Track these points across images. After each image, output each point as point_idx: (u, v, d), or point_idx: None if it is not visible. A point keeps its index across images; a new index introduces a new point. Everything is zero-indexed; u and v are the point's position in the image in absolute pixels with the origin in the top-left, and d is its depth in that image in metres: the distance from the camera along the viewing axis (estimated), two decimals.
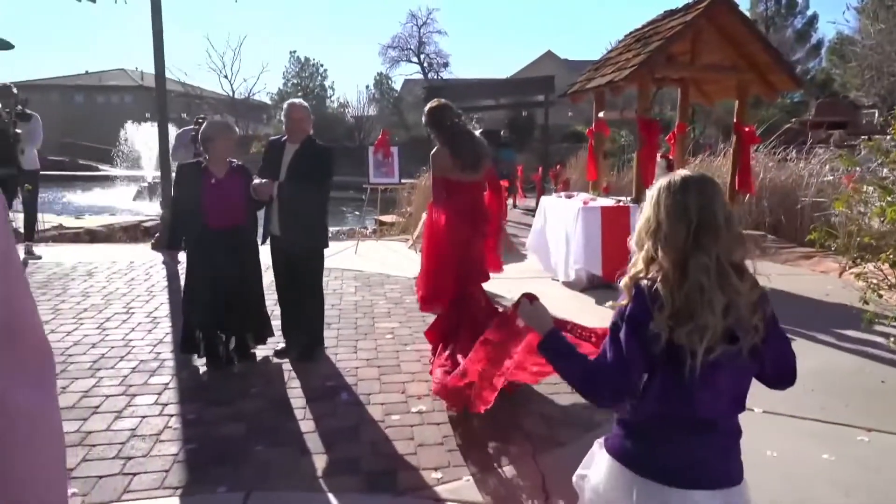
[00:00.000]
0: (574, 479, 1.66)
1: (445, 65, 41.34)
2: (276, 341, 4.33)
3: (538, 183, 13.80)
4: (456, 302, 3.89)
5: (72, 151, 37.45)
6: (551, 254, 6.78)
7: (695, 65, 6.20)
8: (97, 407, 3.40)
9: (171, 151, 7.99)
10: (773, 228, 9.42)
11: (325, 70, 40.22)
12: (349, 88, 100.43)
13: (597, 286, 5.99)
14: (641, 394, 1.45)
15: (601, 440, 1.59)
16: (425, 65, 41.08)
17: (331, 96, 40.50)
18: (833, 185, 8.92)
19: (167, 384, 3.74)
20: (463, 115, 4.08)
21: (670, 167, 6.72)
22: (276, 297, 4.35)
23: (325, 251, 4.32)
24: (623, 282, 1.48)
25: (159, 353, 4.25)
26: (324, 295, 4.33)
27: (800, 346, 4.83)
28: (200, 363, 4.03)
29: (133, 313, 5.14)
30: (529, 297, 1.69)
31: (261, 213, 4.17)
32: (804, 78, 27.88)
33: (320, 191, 4.00)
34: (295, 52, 41.55)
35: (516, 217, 12.14)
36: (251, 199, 3.98)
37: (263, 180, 3.95)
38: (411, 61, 41.66)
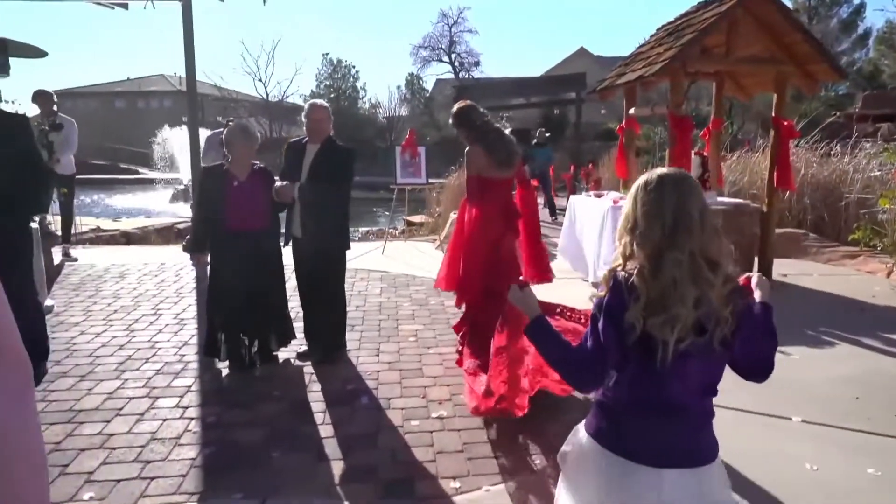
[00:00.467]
0: (558, 455, 1.72)
1: (476, 64, 41.27)
2: (299, 343, 4.31)
3: (569, 182, 13.55)
4: (484, 297, 3.91)
5: (113, 155, 38.64)
6: (581, 254, 6.63)
7: (730, 57, 5.96)
8: (120, 409, 3.43)
9: (201, 154, 8.11)
10: (814, 226, 9.04)
11: (357, 71, 40.53)
12: (381, 89, 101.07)
13: None
14: (615, 379, 1.52)
15: (583, 421, 1.66)
16: (456, 64, 41.05)
17: (362, 97, 40.80)
18: (880, 180, 8.49)
19: (189, 387, 3.75)
20: (489, 115, 4.10)
21: (704, 165, 6.48)
22: (298, 299, 4.33)
23: (349, 252, 4.29)
24: (602, 274, 1.56)
25: (184, 355, 4.28)
26: (346, 297, 4.29)
27: (843, 352, 4.68)
28: (223, 366, 4.04)
29: (161, 315, 5.19)
30: (520, 284, 1.72)
31: (283, 216, 4.17)
32: (849, 69, 26.83)
33: (341, 192, 3.96)
34: (327, 54, 42.03)
35: (546, 216, 11.95)
36: (273, 202, 3.96)
37: (285, 182, 3.93)
38: (442, 61, 41.71)
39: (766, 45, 6.00)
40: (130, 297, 5.72)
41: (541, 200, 11.88)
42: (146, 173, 30.43)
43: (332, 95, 39.19)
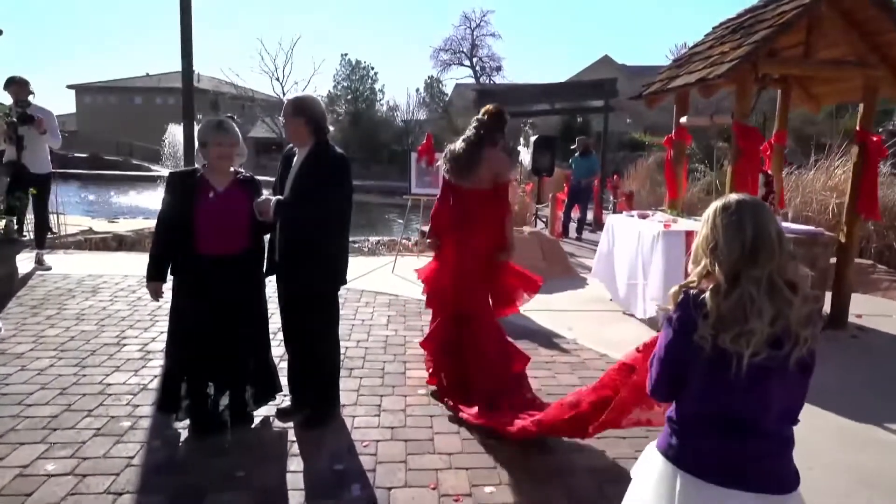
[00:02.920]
0: (631, 472, 1.73)
1: (498, 69, 40.47)
2: (284, 394, 3.45)
3: (596, 196, 12.56)
4: (453, 316, 3.74)
5: (128, 151, 38.32)
6: (621, 283, 5.71)
7: (810, 60, 5.04)
8: (30, 494, 2.57)
9: (196, 153, 7.36)
10: (878, 255, 8.04)
11: (376, 73, 39.86)
12: (399, 92, 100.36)
13: None
14: (685, 395, 1.56)
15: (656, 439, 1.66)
16: (477, 68, 40.25)
17: (380, 100, 40.09)
18: None
19: (130, 459, 2.88)
20: (482, 125, 3.70)
21: (769, 183, 5.56)
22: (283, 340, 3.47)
23: (356, 267, 3.42)
24: (672, 290, 1.58)
25: (136, 406, 3.43)
26: (339, 344, 3.41)
27: None
28: (183, 426, 3.18)
29: (125, 345, 4.36)
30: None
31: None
32: None
33: (329, 211, 3.09)
34: (346, 54, 41.18)
35: (575, 234, 10.98)
36: (258, 220, 3.11)
37: (264, 197, 3.08)
38: (463, 65, 40.95)
39: (855, 45, 5.07)
40: (96, 319, 4.90)
41: (578, 215, 10.87)
42: (158, 170, 29.92)
43: (350, 97, 38.62)
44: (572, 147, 11.35)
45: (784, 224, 5.48)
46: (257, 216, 3.07)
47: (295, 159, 3.19)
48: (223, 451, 2.99)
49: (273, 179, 3.32)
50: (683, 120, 6.04)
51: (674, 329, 1.53)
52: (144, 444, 3.03)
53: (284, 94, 39.16)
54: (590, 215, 12.08)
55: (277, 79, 39.23)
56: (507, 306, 3.85)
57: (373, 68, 39.69)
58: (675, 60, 6.43)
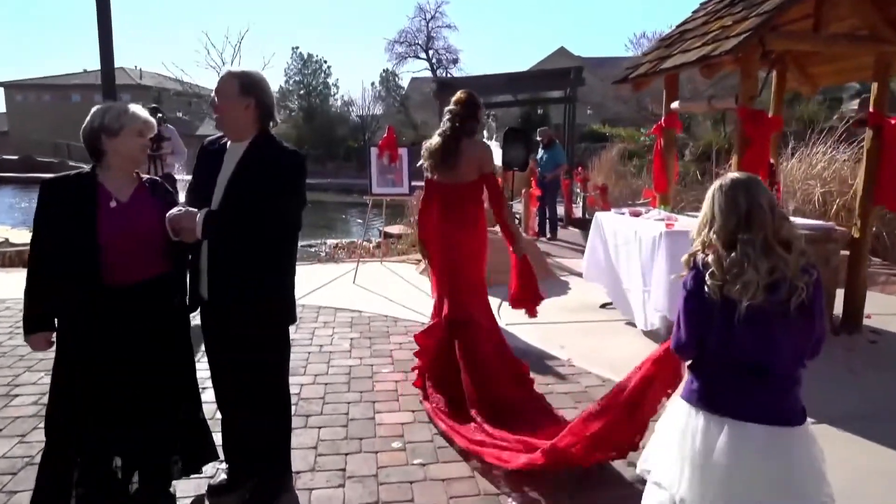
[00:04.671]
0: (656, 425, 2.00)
1: (455, 61, 39.67)
2: (219, 462, 2.65)
3: (567, 189, 11.95)
4: (442, 325, 3.54)
5: (66, 153, 36.04)
6: (619, 287, 5.07)
7: (820, 34, 4.48)
8: None
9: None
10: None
11: (329, 67, 38.45)
12: (354, 86, 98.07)
13: None
14: (704, 343, 1.78)
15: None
16: (434, 61, 39.39)
17: (335, 94, 38.77)
18: None
19: None
20: (461, 115, 3.49)
21: (773, 173, 5.01)
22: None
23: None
24: (683, 258, 1.86)
25: (12, 494, 2.56)
26: (289, 392, 2.60)
27: None
28: None
29: (15, 395, 3.46)
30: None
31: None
32: None
33: (283, 228, 2.30)
34: (297, 48, 39.59)
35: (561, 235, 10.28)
36: (171, 239, 2.29)
37: (184, 209, 2.25)
38: (419, 57, 40.00)
39: (867, 17, 4.52)
40: None
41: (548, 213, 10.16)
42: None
43: (303, 92, 37.25)
44: (537, 139, 10.66)
45: (796, 220, 4.93)
46: (171, 235, 2.25)
47: (226, 156, 2.37)
48: None
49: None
50: (675, 105, 5.43)
51: (689, 288, 1.79)
52: None
53: None
54: (560, 210, 11.47)
55: None
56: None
57: (325, 62, 38.34)
58: (663, 39, 5.81)
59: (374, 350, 4.35)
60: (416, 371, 3.68)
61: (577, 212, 12.27)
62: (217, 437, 2.62)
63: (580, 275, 6.93)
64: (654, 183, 5.74)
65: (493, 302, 5.66)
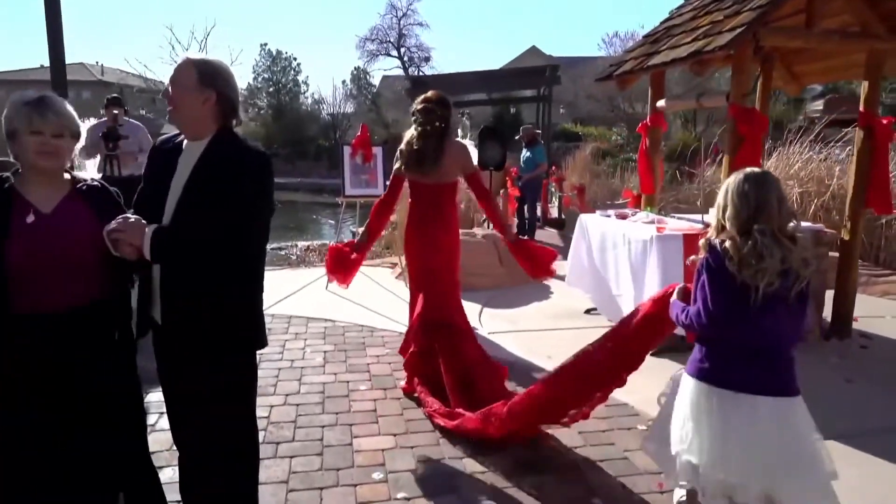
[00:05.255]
0: (657, 399, 2.32)
1: (427, 59, 39.32)
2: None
3: (544, 191, 11.71)
4: (425, 329, 3.47)
5: None
6: (606, 294, 4.86)
7: (814, 30, 4.33)
8: None
9: (78, 152, 5.92)
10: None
11: (299, 64, 37.66)
12: (324, 84, 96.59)
13: (676, 348, 3.98)
14: (719, 323, 1.94)
15: (681, 370, 2.16)
16: (406, 59, 39.01)
17: (304, 92, 38.00)
18: None
19: None
20: (437, 112, 3.45)
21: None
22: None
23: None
24: (701, 242, 2.04)
25: None
26: (256, 431, 2.28)
27: None
28: None
29: None
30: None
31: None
32: None
33: (240, 239, 1.96)
34: (266, 44, 38.64)
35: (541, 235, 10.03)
36: (115, 256, 1.94)
37: (131, 218, 1.91)
38: (391, 55, 39.54)
39: (859, 14, 4.39)
40: None
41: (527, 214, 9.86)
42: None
43: (272, 89, 36.46)
44: (517, 137, 10.39)
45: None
46: (111, 250, 1.91)
47: (182, 157, 2.04)
48: None
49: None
50: (661, 104, 5.24)
51: (715, 265, 1.94)
52: None
53: None
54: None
55: None
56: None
57: (295, 59, 37.57)
58: (647, 36, 5.63)
59: (349, 365, 4.04)
60: (405, 379, 3.65)
61: (553, 212, 12.10)
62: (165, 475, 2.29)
63: (561, 278, 6.75)
64: (641, 184, 5.55)
65: (474, 308, 5.44)
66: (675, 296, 2.21)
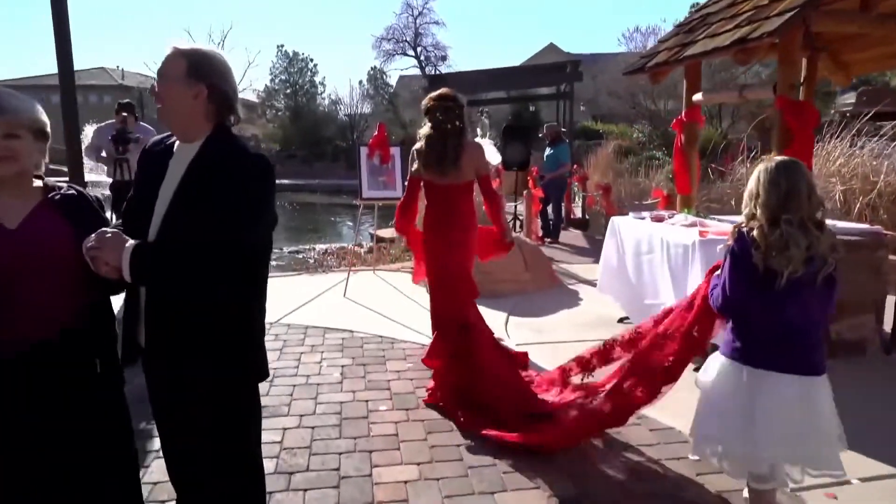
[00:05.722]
0: (695, 381, 2.32)
1: (444, 58, 39.01)
2: None
3: (567, 189, 11.33)
4: (451, 331, 3.51)
5: (51, 155, 35.02)
6: (643, 304, 4.53)
7: (870, 14, 3.97)
8: None
9: (84, 151, 5.82)
10: None
11: (316, 65, 37.74)
12: (341, 84, 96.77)
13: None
14: (746, 309, 2.10)
15: (716, 352, 2.26)
16: (422, 58, 38.75)
17: (321, 93, 38.04)
18: None
19: None
20: (457, 111, 3.44)
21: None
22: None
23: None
24: (730, 228, 2.16)
25: None
26: (260, 466, 2.00)
27: None
28: None
29: None
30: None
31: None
32: None
33: (236, 256, 1.67)
34: (282, 46, 38.75)
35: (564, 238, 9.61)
36: (94, 275, 1.68)
37: (109, 231, 1.66)
38: (407, 54, 39.30)
39: None
40: None
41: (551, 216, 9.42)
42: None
43: (289, 90, 36.51)
44: (539, 135, 10.02)
45: (837, 224, 4.40)
46: (91, 266, 1.66)
47: (172, 161, 1.78)
48: None
49: None
50: (698, 97, 4.90)
51: (736, 254, 2.08)
52: None
53: None
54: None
55: None
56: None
57: (312, 60, 37.63)
58: (681, 25, 5.29)
59: (368, 381, 3.78)
60: (430, 390, 3.56)
61: (577, 212, 11.74)
62: None
63: (590, 283, 6.42)
64: (676, 183, 5.21)
65: (499, 316, 5.16)
66: (717, 272, 2.34)
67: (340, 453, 2.91)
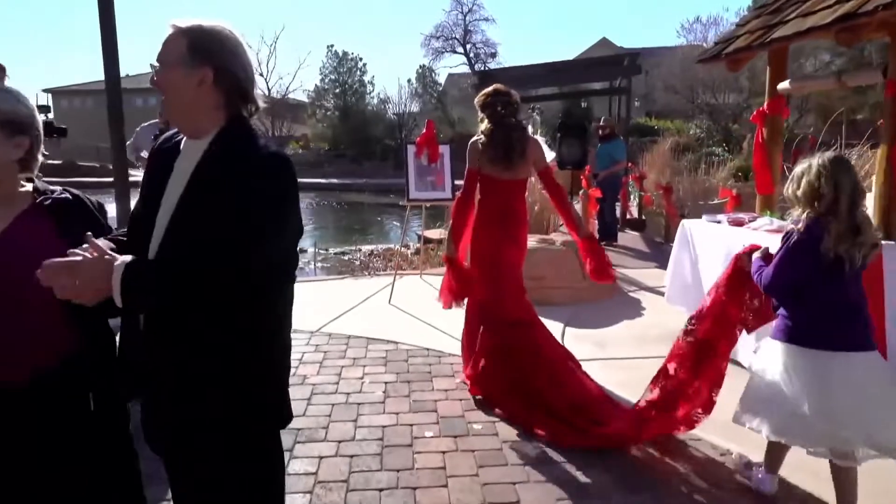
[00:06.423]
0: (748, 368, 2.46)
1: (493, 55, 38.55)
2: None
3: (623, 191, 10.72)
4: (484, 323, 3.48)
5: (107, 157, 36.53)
6: None
7: None
8: None
9: (128, 151, 5.78)
10: None
11: (365, 64, 37.73)
12: (390, 83, 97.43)
13: None
14: (807, 292, 2.20)
15: (766, 338, 2.37)
16: (471, 55, 38.38)
17: (370, 92, 38.07)
18: None
19: None
20: (517, 105, 3.48)
21: None
22: None
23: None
24: (802, 216, 2.21)
25: None
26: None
27: None
28: None
29: None
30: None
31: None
32: None
33: (249, 276, 1.34)
34: (332, 45, 38.95)
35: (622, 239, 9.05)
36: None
37: (88, 248, 1.35)
38: (456, 52, 39.02)
39: None
40: None
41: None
42: (136, 175, 28.10)
43: (338, 90, 36.73)
44: (599, 130, 9.41)
45: None
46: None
47: (178, 162, 1.48)
48: None
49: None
50: (784, 85, 4.35)
51: (804, 241, 2.16)
52: None
53: (269, 92, 37.27)
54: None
55: (261, 74, 37.47)
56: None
57: (361, 59, 37.66)
58: (762, 7, 4.73)
59: (413, 401, 3.45)
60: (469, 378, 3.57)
61: (633, 212, 11.14)
62: None
63: (653, 290, 5.92)
64: (757, 182, 4.67)
65: (556, 327, 4.75)
66: (757, 254, 2.45)
67: (381, 489, 2.59)
